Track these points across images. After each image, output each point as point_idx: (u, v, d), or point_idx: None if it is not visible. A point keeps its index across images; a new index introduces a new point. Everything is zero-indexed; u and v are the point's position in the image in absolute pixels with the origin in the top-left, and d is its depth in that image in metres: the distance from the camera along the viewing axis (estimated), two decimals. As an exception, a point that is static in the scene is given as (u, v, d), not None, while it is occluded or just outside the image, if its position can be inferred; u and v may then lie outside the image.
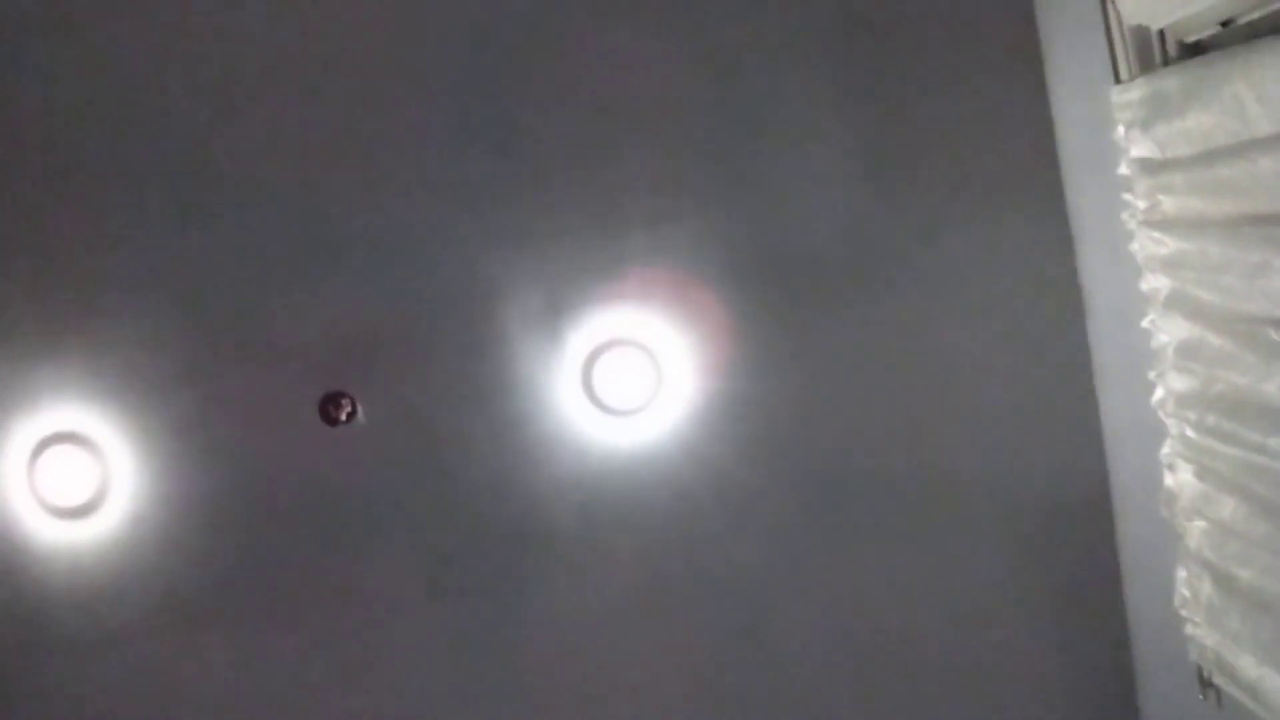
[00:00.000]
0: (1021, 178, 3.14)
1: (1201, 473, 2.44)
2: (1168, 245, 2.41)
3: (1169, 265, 2.42)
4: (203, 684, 3.30)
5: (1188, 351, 2.41)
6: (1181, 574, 2.61)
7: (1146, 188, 2.45)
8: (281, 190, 3.22)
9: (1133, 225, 2.54)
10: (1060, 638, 3.25)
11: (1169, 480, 2.59)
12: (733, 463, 3.27)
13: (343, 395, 3.23)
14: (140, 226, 3.20)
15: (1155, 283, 2.49)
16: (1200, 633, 2.56)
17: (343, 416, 3.23)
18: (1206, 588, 2.49)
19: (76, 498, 3.22)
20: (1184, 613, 2.61)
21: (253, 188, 3.21)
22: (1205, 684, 2.63)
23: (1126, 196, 2.55)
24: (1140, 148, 2.43)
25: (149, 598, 3.26)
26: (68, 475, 3.22)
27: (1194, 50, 2.34)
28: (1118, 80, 2.54)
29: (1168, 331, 2.49)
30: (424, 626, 3.33)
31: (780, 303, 3.23)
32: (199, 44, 3.15)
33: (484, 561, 3.31)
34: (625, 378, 3.25)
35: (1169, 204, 2.39)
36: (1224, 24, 2.19)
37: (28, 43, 3.12)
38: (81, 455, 3.22)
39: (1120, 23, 2.49)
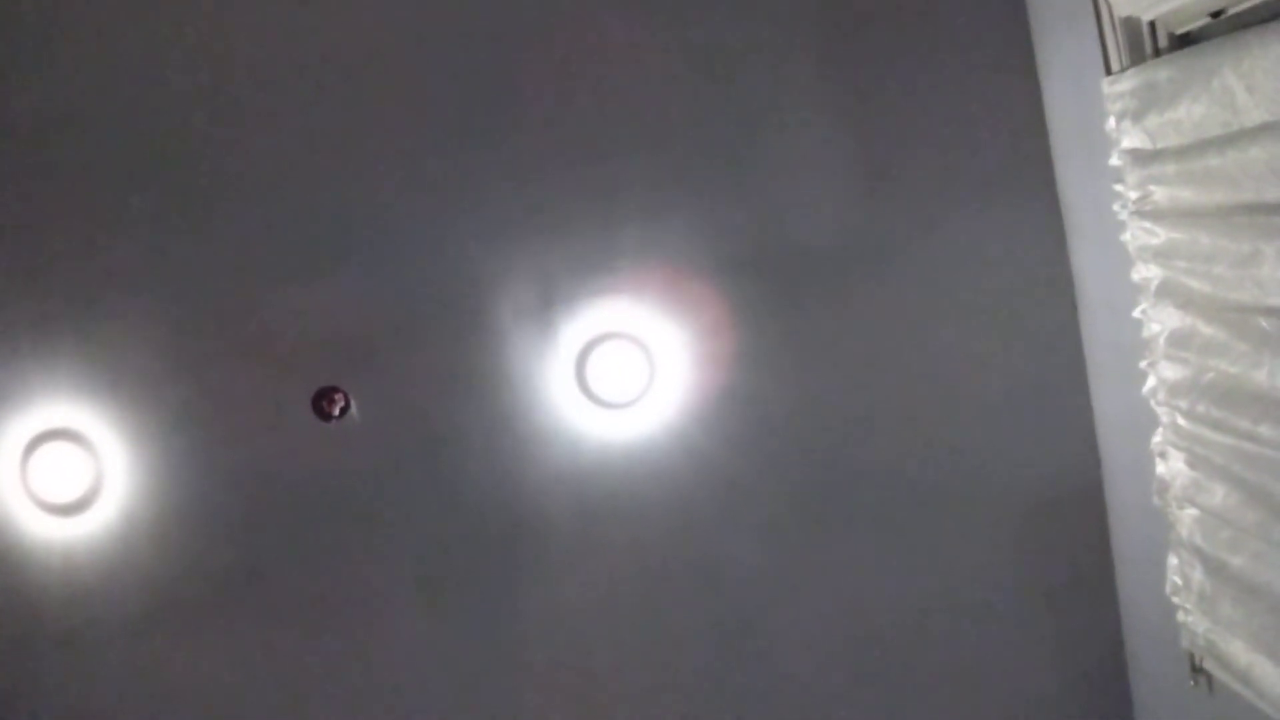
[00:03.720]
0: (1013, 170, 3.16)
1: (1193, 460, 2.45)
2: (1159, 235, 2.42)
3: (1160, 255, 2.43)
4: (197, 678, 3.29)
5: (1179, 340, 2.43)
6: (1173, 561, 2.62)
7: (1138, 178, 2.46)
8: (274, 186, 3.21)
9: (1124, 216, 2.55)
10: (1053, 626, 3.27)
11: (1160, 468, 2.61)
12: (726, 456, 3.28)
13: (336, 390, 3.23)
14: (132, 223, 3.19)
15: (1147, 273, 2.51)
16: (1192, 619, 2.58)
17: (336, 412, 3.22)
18: (1198, 575, 2.51)
19: (70, 494, 3.21)
20: (1176, 600, 2.64)
21: (245, 184, 3.20)
22: (1197, 670, 2.65)
23: (1118, 187, 2.57)
24: (1131, 138, 2.45)
25: (143, 593, 3.25)
26: (61, 472, 3.21)
27: (1184, 41, 2.36)
28: (1109, 71, 2.55)
29: (1159, 321, 2.50)
30: (418, 619, 3.33)
31: (773, 296, 3.24)
32: (194, 43, 3.14)
33: (478, 555, 3.31)
34: (619, 371, 3.25)
35: (1160, 194, 2.40)
36: (1214, 15, 2.20)
37: (24, 41, 3.11)
38: (75, 451, 3.21)
39: (1111, 14, 2.50)
